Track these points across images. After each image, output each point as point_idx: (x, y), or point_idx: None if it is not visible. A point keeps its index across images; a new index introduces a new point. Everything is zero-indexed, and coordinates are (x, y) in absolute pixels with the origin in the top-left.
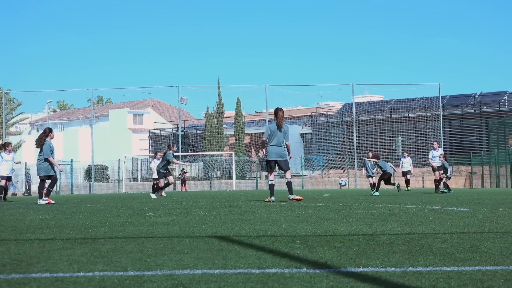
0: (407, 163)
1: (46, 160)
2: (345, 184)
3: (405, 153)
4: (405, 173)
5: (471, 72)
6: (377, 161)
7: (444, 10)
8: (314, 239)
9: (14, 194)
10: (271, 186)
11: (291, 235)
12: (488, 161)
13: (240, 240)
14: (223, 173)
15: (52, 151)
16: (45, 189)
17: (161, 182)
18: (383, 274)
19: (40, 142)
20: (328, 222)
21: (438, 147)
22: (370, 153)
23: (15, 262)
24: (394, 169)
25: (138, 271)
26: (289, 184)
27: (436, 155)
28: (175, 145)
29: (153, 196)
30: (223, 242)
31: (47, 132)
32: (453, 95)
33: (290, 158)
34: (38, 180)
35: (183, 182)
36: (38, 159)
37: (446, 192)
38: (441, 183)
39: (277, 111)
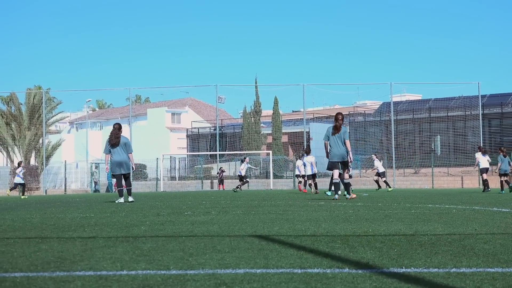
0: (379, 165)
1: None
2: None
3: (373, 155)
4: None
5: None
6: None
7: (483, 8)
8: (354, 239)
9: (96, 191)
10: (336, 184)
11: (331, 235)
12: None
13: (281, 239)
14: (260, 171)
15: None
16: (124, 188)
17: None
18: (426, 275)
19: (118, 139)
20: (368, 222)
21: (485, 152)
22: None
23: (58, 260)
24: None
25: (181, 270)
26: (347, 185)
27: (481, 160)
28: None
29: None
30: (263, 242)
31: (120, 127)
32: (493, 94)
33: (351, 161)
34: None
35: (221, 181)
36: (119, 155)
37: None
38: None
39: (337, 115)
